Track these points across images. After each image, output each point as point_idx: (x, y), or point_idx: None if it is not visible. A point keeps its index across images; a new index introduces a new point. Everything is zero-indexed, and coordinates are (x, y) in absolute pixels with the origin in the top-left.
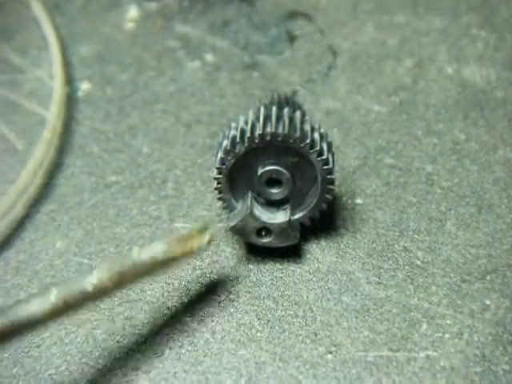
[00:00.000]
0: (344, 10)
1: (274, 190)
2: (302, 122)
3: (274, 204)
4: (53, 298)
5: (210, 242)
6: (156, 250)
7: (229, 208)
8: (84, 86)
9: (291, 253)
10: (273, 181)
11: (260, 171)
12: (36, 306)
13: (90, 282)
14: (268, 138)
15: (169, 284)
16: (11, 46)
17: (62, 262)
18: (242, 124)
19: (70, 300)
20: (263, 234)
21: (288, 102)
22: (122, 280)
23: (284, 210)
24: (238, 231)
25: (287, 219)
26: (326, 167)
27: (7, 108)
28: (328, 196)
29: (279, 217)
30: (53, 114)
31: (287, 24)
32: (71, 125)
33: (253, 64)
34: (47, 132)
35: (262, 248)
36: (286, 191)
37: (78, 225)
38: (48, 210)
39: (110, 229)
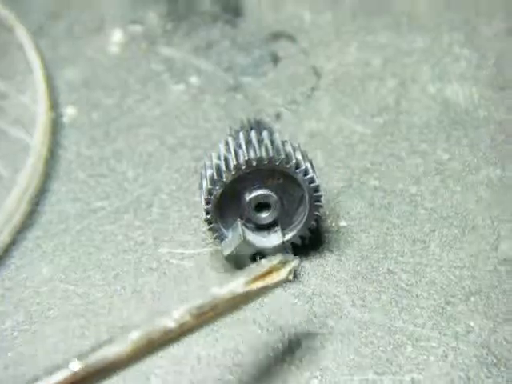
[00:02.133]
0: (327, 30)
1: (264, 215)
2: (283, 143)
3: (264, 228)
4: (134, 337)
5: (289, 276)
6: (235, 285)
7: (219, 237)
8: (69, 111)
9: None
10: (261, 205)
11: (248, 197)
12: (117, 348)
13: (172, 317)
14: (254, 163)
15: (154, 310)
16: None
17: (48, 289)
18: (223, 152)
19: (154, 338)
20: (258, 258)
21: (259, 124)
22: (203, 315)
23: (275, 232)
24: (233, 259)
25: (281, 241)
26: (312, 185)
27: None
28: (317, 213)
29: (272, 240)
30: (37, 140)
31: (271, 45)
32: (56, 150)
33: (236, 86)
34: (32, 158)
35: None
36: (275, 214)
37: (64, 251)
38: (34, 237)
39: (96, 255)
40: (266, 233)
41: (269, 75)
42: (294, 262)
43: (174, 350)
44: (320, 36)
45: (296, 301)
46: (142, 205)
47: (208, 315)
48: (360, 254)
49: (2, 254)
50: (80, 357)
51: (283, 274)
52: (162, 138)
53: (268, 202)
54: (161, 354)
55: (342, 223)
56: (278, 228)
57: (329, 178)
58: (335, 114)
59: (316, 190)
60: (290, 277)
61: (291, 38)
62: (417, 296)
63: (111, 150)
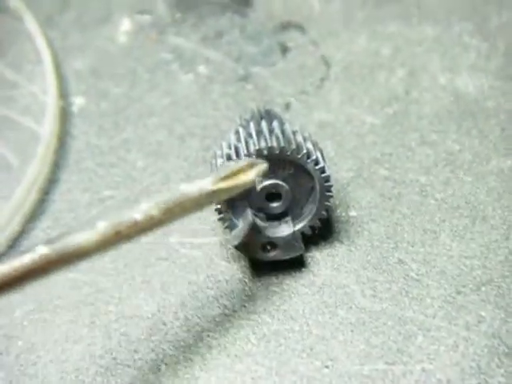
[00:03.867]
0: (336, 20)
1: (275, 204)
2: (294, 133)
3: (274, 218)
4: (102, 228)
5: (256, 179)
6: (203, 184)
7: (230, 227)
8: (78, 101)
9: (286, 266)
10: (272, 195)
11: (258, 187)
12: (84, 237)
13: (140, 210)
14: (265, 152)
15: (164, 299)
16: (4, 61)
17: (57, 278)
18: (234, 142)
19: (121, 230)
20: (268, 248)
21: (270, 114)
22: (170, 211)
23: (286, 222)
24: (243, 249)
25: (291, 231)
26: (323, 175)
27: (1, 124)
28: (327, 203)
29: (283, 229)
30: (47, 130)
31: (280, 35)
32: (66, 140)
33: (246, 76)
34: (42, 148)
35: (257, 262)
36: (286, 204)
37: None
38: (44, 226)
39: None
40: (276, 223)
41: (278, 65)
42: (263, 166)
43: (184, 338)
44: (329, 26)
45: (306, 290)
46: (151, 194)
47: (175, 211)
48: (370, 244)
49: (12, 244)
50: (47, 242)
51: (251, 175)
52: (171, 127)
53: (279, 191)
54: (171, 342)
55: (352, 213)
56: (288, 218)
57: (339, 168)
58: (345, 104)
59: (327, 180)
60: (258, 179)
61: (300, 28)
62: (427, 286)
63: (120, 139)
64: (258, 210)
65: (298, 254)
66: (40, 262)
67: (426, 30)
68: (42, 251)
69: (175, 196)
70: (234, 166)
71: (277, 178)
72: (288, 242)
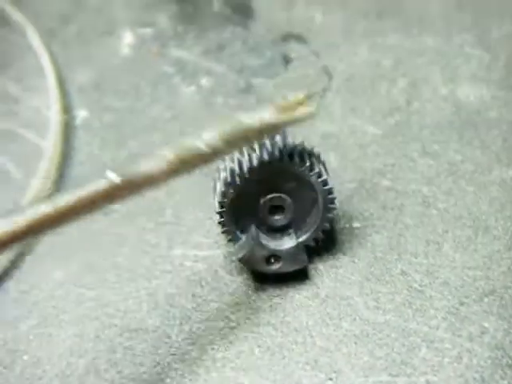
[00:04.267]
0: (338, 32)
1: (277, 217)
2: (296, 146)
3: (277, 230)
4: (169, 156)
5: (312, 113)
6: (263, 115)
7: (234, 240)
8: (81, 114)
9: (290, 279)
10: (275, 208)
11: (262, 200)
12: (151, 165)
13: (203, 140)
14: (267, 166)
15: (169, 312)
16: (7, 76)
17: (62, 292)
18: (237, 155)
19: (186, 158)
20: (272, 261)
21: None
22: (233, 141)
23: (289, 234)
24: (246, 262)
25: (295, 243)
26: (326, 187)
27: (4, 138)
28: (330, 215)
29: (286, 242)
30: (50, 143)
31: (282, 46)
32: (69, 153)
33: (248, 87)
34: (45, 161)
35: (261, 275)
36: (289, 216)
37: (78, 254)
38: (47, 240)
39: (110, 257)
40: (279, 235)
41: (280, 77)
42: (319, 95)
43: (189, 352)
44: (331, 37)
45: (310, 303)
46: (154, 207)
47: (237, 141)
48: (373, 256)
49: (15, 258)
50: (117, 169)
51: (311, 107)
52: (174, 140)
53: (281, 204)
54: (176, 356)
55: (355, 224)
56: (291, 230)
57: (341, 180)
58: (347, 115)
59: (329, 192)
60: (316, 112)
61: (302, 40)
62: (430, 297)
63: (123, 152)
64: (261, 223)
65: (301, 266)
66: (111, 189)
67: (426, 41)
68: (113, 178)
69: (236, 127)
70: (292, 97)
71: (280, 191)
72: (291, 254)
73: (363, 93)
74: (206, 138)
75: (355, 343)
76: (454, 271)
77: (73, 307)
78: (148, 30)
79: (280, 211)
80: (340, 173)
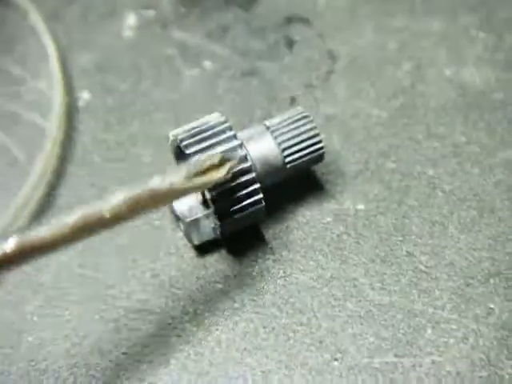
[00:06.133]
0: (342, 14)
1: None
2: None
3: None
4: (71, 221)
5: (226, 176)
6: (174, 179)
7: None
8: (84, 96)
9: (294, 260)
10: None
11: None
12: (51, 230)
13: (108, 206)
14: None
15: (173, 294)
16: (11, 58)
17: (66, 274)
18: None
19: (88, 222)
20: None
21: None
22: (139, 206)
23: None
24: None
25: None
26: None
27: (8, 120)
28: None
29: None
30: (54, 125)
31: (285, 29)
32: (72, 135)
33: (252, 70)
34: (48, 143)
35: (267, 257)
36: None
37: None
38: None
39: (114, 240)
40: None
41: (284, 59)
42: (232, 162)
43: (194, 333)
44: (335, 19)
45: (315, 284)
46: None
47: (144, 206)
48: (378, 237)
49: None
50: (17, 233)
51: (222, 172)
52: (177, 122)
53: None
54: (180, 337)
55: (360, 206)
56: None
57: (346, 162)
58: (351, 97)
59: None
60: (228, 176)
61: (306, 22)
62: (436, 278)
63: (126, 134)
64: None
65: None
66: (5, 257)
67: (432, 23)
68: (10, 244)
69: (145, 192)
70: (206, 161)
71: None
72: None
73: (368, 75)
74: (112, 202)
75: (361, 324)
76: (460, 252)
77: (77, 288)
78: (151, 12)
79: None
80: (344, 155)
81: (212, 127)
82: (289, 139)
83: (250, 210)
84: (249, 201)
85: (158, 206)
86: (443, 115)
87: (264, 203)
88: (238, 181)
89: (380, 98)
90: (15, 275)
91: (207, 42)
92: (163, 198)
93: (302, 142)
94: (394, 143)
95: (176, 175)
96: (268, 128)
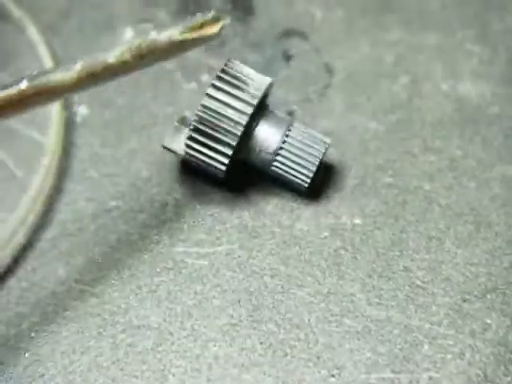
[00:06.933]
0: (339, 28)
1: None
2: None
3: None
4: (77, 68)
5: (220, 32)
6: (172, 33)
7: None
8: (81, 111)
9: (292, 276)
10: None
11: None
12: (61, 75)
13: (112, 54)
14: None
15: (171, 309)
16: (7, 71)
17: (64, 290)
18: None
19: (94, 71)
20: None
21: None
22: (141, 56)
23: None
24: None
25: None
26: None
27: (5, 135)
28: None
29: None
30: (51, 140)
31: (282, 43)
32: (70, 150)
33: None
34: (46, 158)
35: (264, 272)
36: None
37: (79, 251)
38: (49, 237)
39: (112, 255)
40: None
41: (281, 73)
42: (226, 20)
43: (191, 349)
44: (331, 33)
45: (312, 299)
46: (156, 204)
47: (146, 56)
48: (375, 252)
49: (17, 255)
50: (28, 78)
51: (216, 28)
52: None
53: None
54: (178, 353)
55: (357, 221)
56: None
57: (342, 176)
58: (348, 111)
59: None
60: (221, 32)
61: (303, 36)
62: (433, 294)
63: (124, 149)
64: None
65: None
66: (20, 95)
67: (428, 37)
68: (23, 86)
69: (146, 42)
70: (200, 18)
71: None
72: None
73: (364, 89)
74: (116, 52)
75: (358, 339)
76: (456, 267)
77: (75, 304)
78: (148, 26)
79: None
80: (341, 169)
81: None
82: (291, 149)
83: (212, 161)
84: (214, 154)
85: (159, 59)
86: (440, 129)
87: (224, 169)
88: (224, 126)
89: (377, 112)
90: (13, 291)
91: (205, 56)
92: (163, 50)
93: (298, 162)
94: (391, 157)
95: (173, 29)
96: (289, 126)
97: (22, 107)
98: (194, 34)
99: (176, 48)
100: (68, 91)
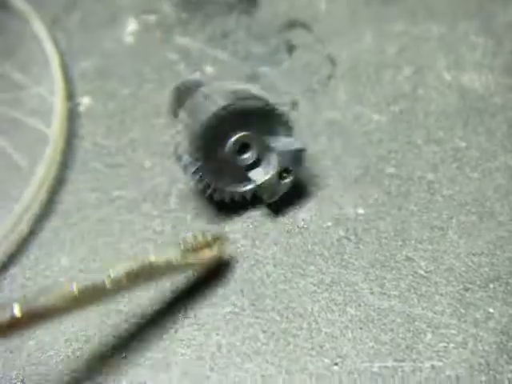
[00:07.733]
0: (342, 18)
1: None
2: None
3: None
4: (73, 291)
5: (220, 256)
6: (171, 256)
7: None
8: (85, 101)
9: (294, 265)
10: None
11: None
12: (55, 298)
13: (109, 276)
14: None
15: (174, 298)
16: (11, 64)
17: (67, 278)
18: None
19: (89, 293)
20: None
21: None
22: (137, 279)
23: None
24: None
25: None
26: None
27: (9, 125)
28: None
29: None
30: (55, 131)
31: (286, 34)
32: (73, 140)
33: (253, 75)
34: (49, 148)
35: (267, 262)
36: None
37: (83, 241)
38: (52, 227)
39: (115, 244)
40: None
41: (285, 64)
42: (224, 241)
43: (194, 338)
44: (335, 24)
45: (315, 288)
46: (159, 194)
47: (142, 279)
48: (378, 242)
49: (21, 245)
50: (21, 302)
51: (215, 251)
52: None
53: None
54: (181, 341)
55: (360, 211)
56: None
57: (346, 166)
58: (351, 102)
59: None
60: (223, 255)
61: (306, 27)
62: (435, 283)
63: (127, 139)
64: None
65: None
66: (13, 321)
67: (431, 28)
68: (15, 311)
69: (143, 266)
70: (200, 239)
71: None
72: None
73: (368, 80)
74: (112, 274)
75: (360, 329)
76: (459, 257)
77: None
78: (152, 17)
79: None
80: (345, 159)
81: None
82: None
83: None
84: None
85: (155, 279)
86: (443, 120)
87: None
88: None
89: (380, 103)
90: (17, 280)
91: (208, 47)
92: (160, 273)
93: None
94: (394, 148)
95: (172, 253)
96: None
97: (13, 332)
98: (193, 259)
99: (173, 270)
100: (61, 314)
